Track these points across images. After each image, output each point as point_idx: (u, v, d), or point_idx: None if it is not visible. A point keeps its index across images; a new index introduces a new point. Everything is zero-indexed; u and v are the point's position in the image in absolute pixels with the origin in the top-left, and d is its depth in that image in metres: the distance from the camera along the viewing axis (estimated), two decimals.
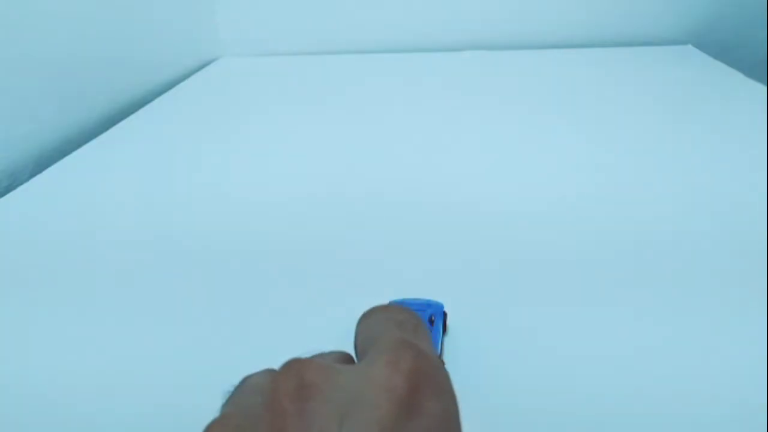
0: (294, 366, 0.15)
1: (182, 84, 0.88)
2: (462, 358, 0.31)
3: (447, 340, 0.33)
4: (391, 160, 0.57)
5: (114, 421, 0.29)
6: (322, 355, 0.18)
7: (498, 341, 0.33)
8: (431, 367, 0.14)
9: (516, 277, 0.38)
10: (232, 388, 0.17)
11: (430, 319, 0.31)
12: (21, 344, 0.34)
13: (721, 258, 0.39)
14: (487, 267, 0.39)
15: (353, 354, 0.18)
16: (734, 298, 0.35)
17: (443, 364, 0.15)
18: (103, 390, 0.31)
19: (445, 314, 0.33)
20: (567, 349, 0.32)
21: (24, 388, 0.31)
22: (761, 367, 0.30)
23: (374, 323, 0.17)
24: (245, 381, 0.17)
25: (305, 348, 0.21)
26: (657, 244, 0.41)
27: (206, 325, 0.35)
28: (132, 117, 0.73)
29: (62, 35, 0.66)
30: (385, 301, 0.33)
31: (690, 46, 0.97)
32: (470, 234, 0.43)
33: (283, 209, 0.48)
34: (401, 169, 0.55)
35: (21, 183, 0.56)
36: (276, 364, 0.20)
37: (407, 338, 0.15)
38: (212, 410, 0.18)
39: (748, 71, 0.81)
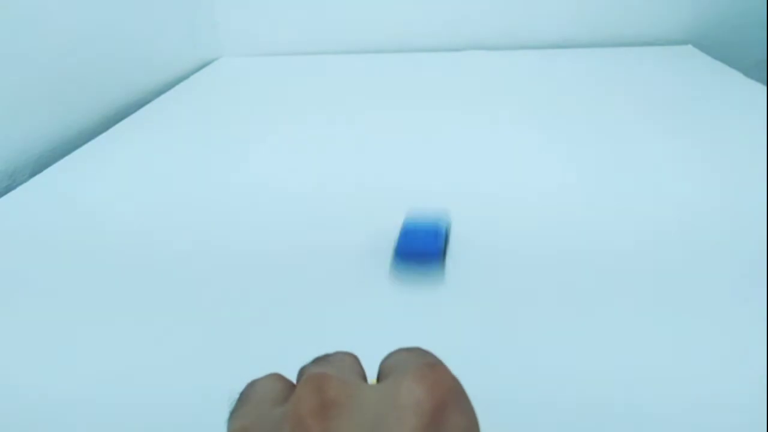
0: (316, 382, 0.14)
1: (182, 84, 0.88)
2: (462, 361, 0.31)
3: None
4: (390, 160, 0.57)
5: (114, 422, 0.29)
6: (327, 360, 0.17)
7: (497, 343, 0.33)
8: (455, 384, 0.14)
9: (516, 279, 0.38)
10: (236, 395, 0.17)
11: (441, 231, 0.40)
12: (20, 345, 0.34)
13: (720, 258, 0.39)
14: (487, 267, 0.39)
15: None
16: (734, 297, 0.35)
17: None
18: (103, 391, 0.31)
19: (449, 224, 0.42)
20: (566, 350, 0.32)
21: (22, 388, 0.31)
22: (761, 368, 0.30)
23: (399, 356, 0.17)
24: (252, 388, 0.17)
25: (305, 347, 0.21)
26: (656, 244, 0.41)
27: (206, 327, 0.35)
28: (132, 117, 0.73)
29: (62, 35, 0.66)
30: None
31: (690, 46, 0.97)
32: (469, 234, 0.43)
33: (282, 208, 0.48)
34: (401, 169, 0.55)
35: (21, 183, 0.56)
36: (275, 367, 0.20)
37: (432, 360, 0.15)
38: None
39: (748, 71, 0.81)
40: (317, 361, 0.18)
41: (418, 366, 0.14)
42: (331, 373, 0.15)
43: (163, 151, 0.62)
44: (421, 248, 0.39)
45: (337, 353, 0.18)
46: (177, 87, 0.86)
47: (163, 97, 0.81)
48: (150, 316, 0.36)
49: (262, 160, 0.58)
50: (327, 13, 1.02)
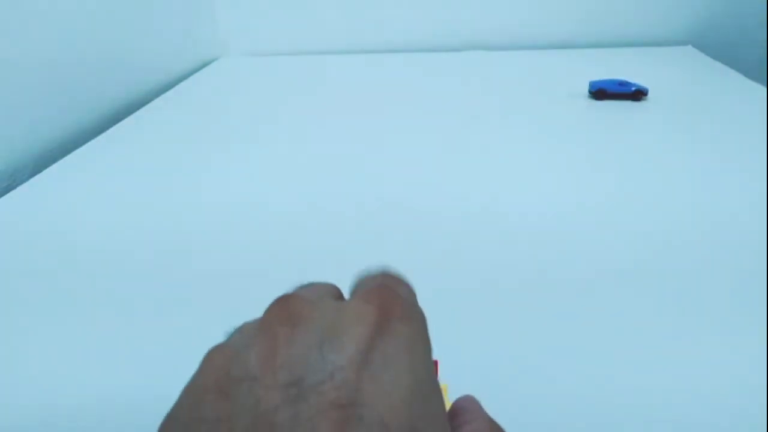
0: (285, 298, 0.17)
1: (182, 84, 0.88)
2: (459, 369, 0.31)
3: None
4: (390, 159, 0.57)
5: (112, 419, 0.29)
6: (312, 285, 0.20)
7: (495, 349, 0.33)
8: (402, 301, 0.17)
9: (517, 283, 0.38)
10: (232, 330, 0.19)
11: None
12: (20, 345, 0.34)
13: (719, 259, 0.39)
14: (486, 271, 0.39)
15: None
16: (734, 297, 0.35)
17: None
18: (102, 389, 0.31)
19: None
20: (566, 355, 0.32)
21: (21, 388, 0.31)
22: (761, 375, 0.30)
23: (362, 278, 0.19)
24: (243, 324, 0.19)
25: None
26: (655, 244, 0.41)
27: (205, 326, 0.35)
28: (132, 117, 0.73)
29: (63, 35, 0.66)
30: None
31: (690, 47, 0.97)
32: (468, 233, 0.43)
33: (282, 208, 0.48)
34: (401, 168, 0.55)
35: (21, 183, 0.56)
36: None
37: (386, 282, 0.17)
38: None
39: (748, 71, 0.81)
40: (300, 286, 0.20)
41: (370, 287, 0.17)
42: (298, 293, 0.18)
43: (163, 151, 0.62)
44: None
45: (319, 282, 0.20)
46: (177, 87, 0.86)
47: (163, 97, 0.81)
48: (149, 314, 0.36)
49: (262, 160, 0.58)
50: (327, 13, 1.02)
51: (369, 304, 0.16)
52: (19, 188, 0.54)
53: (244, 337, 0.16)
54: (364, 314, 0.16)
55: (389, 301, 0.16)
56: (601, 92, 0.72)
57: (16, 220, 0.49)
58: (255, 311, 0.37)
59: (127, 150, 0.62)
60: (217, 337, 0.31)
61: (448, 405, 0.18)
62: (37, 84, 0.62)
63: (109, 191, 0.53)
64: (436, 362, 0.17)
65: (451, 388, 0.23)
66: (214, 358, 0.16)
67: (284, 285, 0.39)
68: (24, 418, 0.29)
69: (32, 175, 0.57)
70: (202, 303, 0.37)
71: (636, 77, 0.78)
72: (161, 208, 0.49)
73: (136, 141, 0.65)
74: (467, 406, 0.18)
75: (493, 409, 0.28)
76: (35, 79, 0.62)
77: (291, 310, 0.16)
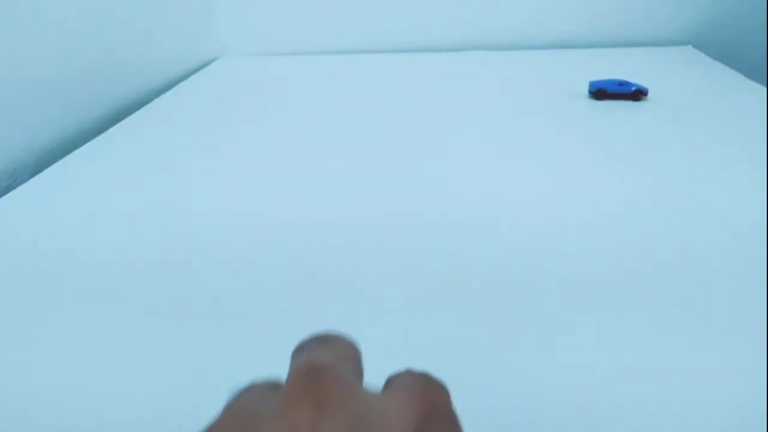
0: (313, 373, 0.14)
1: (182, 84, 0.88)
2: (459, 370, 0.31)
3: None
4: (390, 160, 0.57)
5: (108, 421, 0.29)
6: (328, 344, 0.17)
7: (496, 351, 0.33)
8: (445, 404, 0.15)
9: (516, 283, 0.38)
10: (237, 389, 0.17)
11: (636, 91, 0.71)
12: (19, 345, 0.34)
13: (719, 259, 0.39)
14: (485, 271, 0.39)
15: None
16: (733, 298, 0.35)
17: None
18: (100, 389, 0.31)
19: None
20: (567, 356, 0.32)
21: (19, 387, 0.31)
22: (761, 381, 0.30)
23: (405, 374, 0.17)
24: (249, 384, 0.17)
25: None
26: (655, 244, 0.41)
27: (205, 331, 0.35)
28: (132, 117, 0.73)
29: (62, 35, 0.66)
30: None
31: (690, 47, 0.97)
32: (467, 233, 0.43)
33: (282, 209, 0.48)
34: (401, 168, 0.55)
35: (21, 183, 0.56)
36: (272, 372, 0.19)
37: (429, 384, 0.16)
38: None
39: (748, 71, 0.81)
40: (318, 341, 0.17)
41: (413, 383, 0.15)
42: (329, 368, 0.15)
43: (163, 151, 0.62)
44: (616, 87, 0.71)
45: (338, 337, 0.18)
46: (177, 87, 0.86)
47: (163, 97, 0.81)
48: (149, 317, 0.36)
49: (262, 160, 0.58)
50: (327, 13, 1.02)
51: (410, 403, 0.14)
52: (19, 188, 0.54)
53: (263, 402, 0.14)
54: (404, 413, 0.14)
55: (432, 403, 0.15)
56: (601, 92, 0.72)
57: (16, 220, 0.49)
58: (255, 318, 0.37)
59: (127, 150, 0.62)
60: (218, 340, 0.31)
61: None
62: (37, 84, 0.62)
63: (109, 191, 0.53)
64: None
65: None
66: (229, 416, 0.14)
67: (283, 290, 0.39)
68: (21, 417, 0.29)
69: (32, 175, 0.57)
70: (202, 304, 0.37)
71: (636, 77, 0.78)
72: (161, 209, 0.49)
73: (136, 141, 0.65)
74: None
75: (493, 414, 0.28)
76: (35, 79, 0.62)
77: (320, 391, 0.14)
